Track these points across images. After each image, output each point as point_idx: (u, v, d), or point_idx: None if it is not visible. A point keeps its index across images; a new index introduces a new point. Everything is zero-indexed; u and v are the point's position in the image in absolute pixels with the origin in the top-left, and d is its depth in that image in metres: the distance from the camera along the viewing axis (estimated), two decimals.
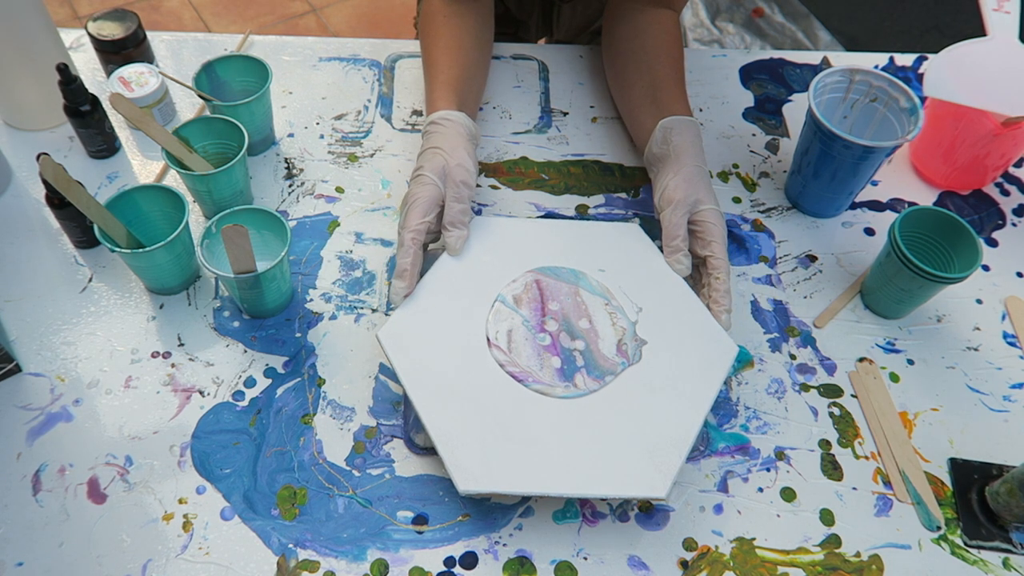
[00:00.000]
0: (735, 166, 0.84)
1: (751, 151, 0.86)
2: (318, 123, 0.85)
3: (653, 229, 0.78)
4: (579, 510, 0.61)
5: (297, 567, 0.57)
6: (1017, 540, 0.61)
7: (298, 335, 0.69)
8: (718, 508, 0.62)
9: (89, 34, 0.82)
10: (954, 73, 0.75)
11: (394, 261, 0.74)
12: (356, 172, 0.81)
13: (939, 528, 0.62)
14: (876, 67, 0.95)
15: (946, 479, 0.64)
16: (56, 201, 0.68)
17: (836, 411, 0.67)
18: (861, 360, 0.70)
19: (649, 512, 0.61)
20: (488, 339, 0.63)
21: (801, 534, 0.61)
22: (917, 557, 0.60)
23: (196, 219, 0.77)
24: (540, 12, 1.03)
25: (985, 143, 0.77)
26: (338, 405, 0.65)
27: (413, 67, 0.91)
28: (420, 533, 0.59)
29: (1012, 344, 0.72)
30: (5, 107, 0.81)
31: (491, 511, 0.61)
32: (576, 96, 0.90)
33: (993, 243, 0.80)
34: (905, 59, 0.97)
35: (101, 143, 0.78)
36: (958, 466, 0.64)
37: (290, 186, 0.79)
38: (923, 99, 0.80)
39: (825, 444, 0.65)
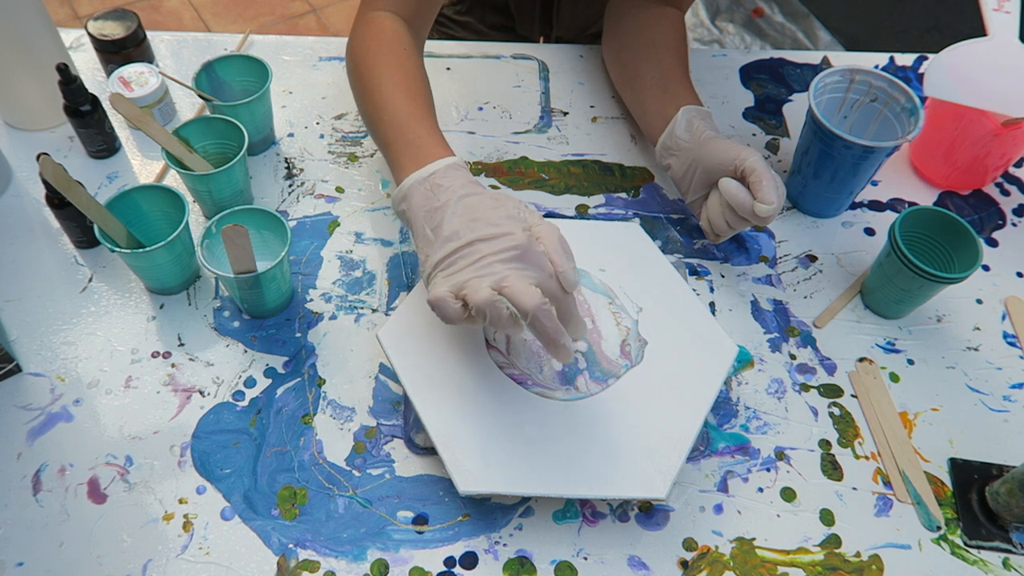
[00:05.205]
0: None
1: None
2: (318, 123, 0.85)
3: (653, 229, 0.78)
4: (579, 510, 0.61)
5: (297, 567, 0.57)
6: (1017, 540, 0.61)
7: (298, 335, 0.69)
8: (718, 508, 0.62)
9: (89, 34, 0.82)
10: (954, 73, 0.75)
11: (395, 260, 0.74)
12: (356, 172, 0.81)
13: (939, 528, 0.62)
14: (876, 67, 0.95)
15: (946, 479, 0.64)
16: (56, 201, 0.68)
17: (836, 411, 0.67)
18: (861, 360, 0.70)
19: (649, 512, 0.61)
20: (487, 340, 0.63)
21: (801, 534, 0.61)
22: (917, 557, 0.60)
23: (196, 219, 0.77)
24: (540, 7, 1.03)
25: (985, 143, 0.77)
26: (338, 405, 0.65)
27: None
28: (420, 533, 0.59)
29: (1012, 344, 0.72)
30: (5, 107, 0.81)
31: (491, 511, 0.61)
32: (576, 96, 0.90)
33: (993, 243, 0.80)
34: (905, 59, 0.97)
35: (101, 143, 0.78)
36: (958, 466, 0.64)
37: (290, 186, 0.79)
38: (923, 99, 0.80)
39: (825, 444, 0.65)
